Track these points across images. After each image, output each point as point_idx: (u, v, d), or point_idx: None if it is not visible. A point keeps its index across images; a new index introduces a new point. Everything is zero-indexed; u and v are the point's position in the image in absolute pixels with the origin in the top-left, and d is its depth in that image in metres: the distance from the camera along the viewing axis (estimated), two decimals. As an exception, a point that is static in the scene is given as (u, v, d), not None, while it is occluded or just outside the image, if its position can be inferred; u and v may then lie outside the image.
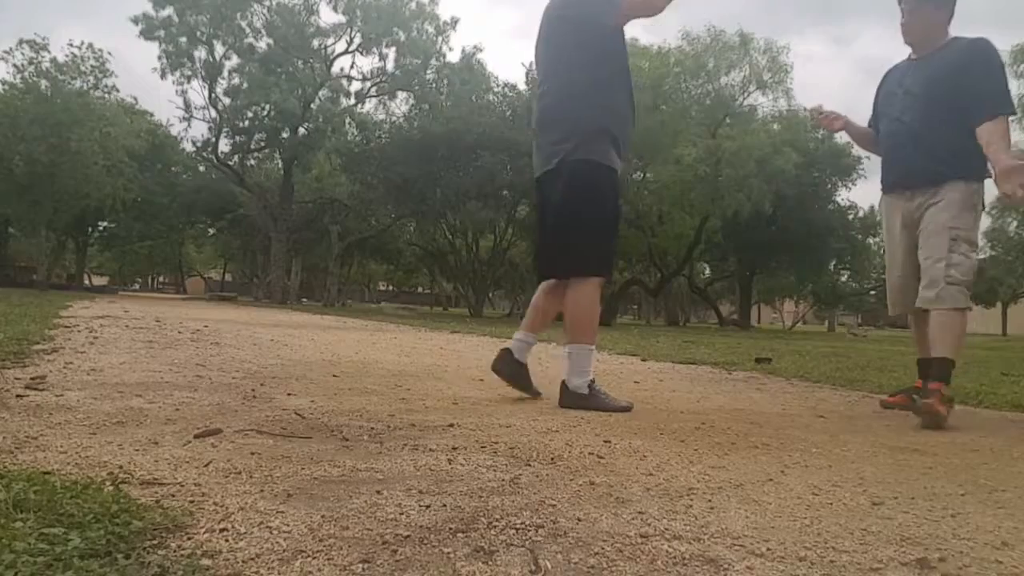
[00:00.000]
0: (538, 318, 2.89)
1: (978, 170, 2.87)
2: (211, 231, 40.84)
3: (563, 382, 2.67)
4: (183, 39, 27.67)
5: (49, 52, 23.76)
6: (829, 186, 26.56)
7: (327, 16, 42.04)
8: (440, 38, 28.08)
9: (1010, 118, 2.84)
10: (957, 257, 2.81)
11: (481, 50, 39.59)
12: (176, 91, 29.91)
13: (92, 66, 24.41)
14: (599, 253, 2.77)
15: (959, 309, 2.81)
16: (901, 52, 3.16)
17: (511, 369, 2.81)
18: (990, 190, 2.89)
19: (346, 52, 29.52)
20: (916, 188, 2.97)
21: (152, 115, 31.50)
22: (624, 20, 2.75)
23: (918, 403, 2.67)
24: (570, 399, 2.62)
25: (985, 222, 26.81)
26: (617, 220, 2.83)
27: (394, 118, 27.72)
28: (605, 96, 2.73)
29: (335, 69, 30.00)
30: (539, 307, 2.90)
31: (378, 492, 1.35)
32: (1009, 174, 2.65)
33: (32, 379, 2.57)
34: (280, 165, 31.55)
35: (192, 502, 1.22)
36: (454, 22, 28.52)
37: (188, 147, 31.91)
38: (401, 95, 28.77)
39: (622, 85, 2.78)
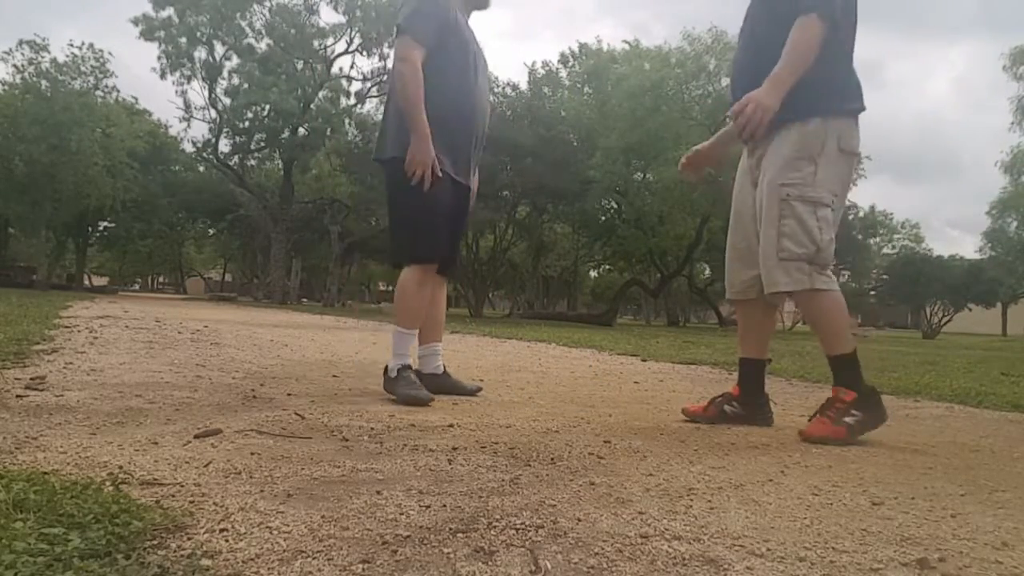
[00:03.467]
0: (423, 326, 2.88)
1: (818, 102, 2.18)
2: (211, 231, 40.85)
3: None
4: (183, 39, 27.67)
5: (49, 52, 23.81)
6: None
7: (327, 16, 42.14)
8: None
9: (825, 25, 2.12)
10: (790, 224, 2.16)
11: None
12: (176, 91, 29.93)
13: (92, 66, 24.44)
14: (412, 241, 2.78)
15: (819, 292, 2.18)
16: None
17: (427, 385, 2.77)
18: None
19: (346, 52, 29.56)
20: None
21: (152, 115, 31.59)
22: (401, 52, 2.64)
23: (804, 429, 2.17)
24: (384, 381, 2.69)
25: (985, 222, 26.74)
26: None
27: (394, 118, 27.72)
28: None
29: (335, 69, 30.03)
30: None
31: (378, 492, 1.34)
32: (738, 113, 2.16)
33: (32, 379, 2.57)
34: (280, 165, 31.57)
35: (192, 502, 1.22)
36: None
37: (188, 147, 32.00)
38: (402, 95, 28.75)
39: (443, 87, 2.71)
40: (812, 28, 2.13)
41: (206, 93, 28.83)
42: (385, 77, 29.46)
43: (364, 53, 29.45)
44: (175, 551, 0.99)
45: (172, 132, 32.28)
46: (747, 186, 2.41)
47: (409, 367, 2.66)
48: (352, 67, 43.95)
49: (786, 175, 2.20)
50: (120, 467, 1.42)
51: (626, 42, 24.09)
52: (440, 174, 2.65)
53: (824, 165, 2.19)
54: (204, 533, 1.07)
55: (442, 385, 2.81)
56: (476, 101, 2.81)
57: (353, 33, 28.93)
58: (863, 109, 2.27)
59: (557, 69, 26.01)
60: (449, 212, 2.77)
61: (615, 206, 25.74)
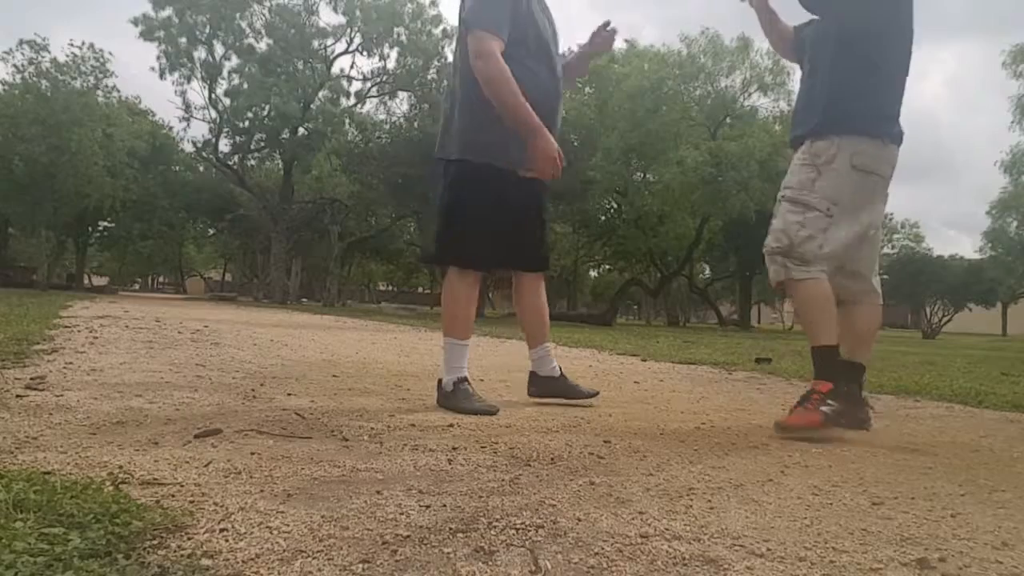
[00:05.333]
0: (528, 327, 2.78)
1: (831, 122, 2.28)
2: (211, 231, 40.84)
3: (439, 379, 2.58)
4: (183, 39, 27.69)
5: (49, 52, 23.82)
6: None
7: (327, 16, 42.09)
8: (446, 41, 27.98)
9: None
10: (776, 222, 2.34)
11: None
12: (176, 91, 29.88)
13: (92, 66, 24.45)
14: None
15: (795, 282, 2.26)
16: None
17: (543, 388, 2.72)
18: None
19: (346, 52, 29.58)
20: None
21: (155, 115, 31.61)
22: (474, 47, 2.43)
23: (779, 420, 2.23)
24: (439, 396, 2.53)
25: (985, 222, 26.72)
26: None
27: (394, 118, 27.73)
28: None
29: (335, 70, 30.04)
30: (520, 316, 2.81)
31: (378, 492, 1.35)
32: None
33: (32, 379, 2.56)
34: (280, 165, 31.58)
35: (192, 502, 1.22)
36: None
37: (188, 147, 32.02)
38: (402, 95, 28.79)
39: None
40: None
41: (206, 93, 28.90)
42: (385, 77, 29.48)
43: (364, 53, 29.47)
44: (175, 551, 0.99)
45: (172, 132, 32.29)
46: None
47: (466, 379, 2.51)
48: (352, 67, 44.01)
49: (789, 180, 2.35)
50: (120, 467, 1.42)
51: (626, 40, 24.04)
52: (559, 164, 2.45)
53: (827, 175, 2.26)
54: (204, 533, 1.07)
55: (556, 388, 2.70)
56: (553, 88, 2.61)
57: (353, 33, 28.95)
58: (890, 134, 2.29)
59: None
60: (518, 213, 2.60)
61: (615, 206, 25.75)
